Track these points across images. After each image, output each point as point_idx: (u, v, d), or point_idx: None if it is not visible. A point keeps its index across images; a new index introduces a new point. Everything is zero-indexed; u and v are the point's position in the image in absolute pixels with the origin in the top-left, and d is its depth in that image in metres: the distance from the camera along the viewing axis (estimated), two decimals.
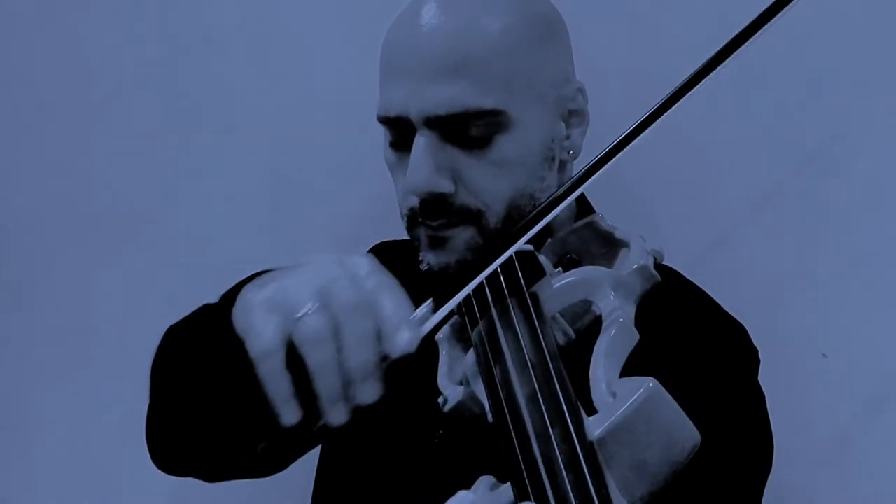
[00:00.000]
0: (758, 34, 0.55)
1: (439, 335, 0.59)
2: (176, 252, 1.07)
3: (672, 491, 0.53)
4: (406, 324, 0.45)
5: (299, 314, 0.43)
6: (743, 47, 0.55)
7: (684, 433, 0.45)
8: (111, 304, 1.07)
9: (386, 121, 0.65)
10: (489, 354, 0.52)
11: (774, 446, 0.67)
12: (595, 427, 0.44)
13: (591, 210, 0.71)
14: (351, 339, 0.43)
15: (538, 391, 0.46)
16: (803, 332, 0.92)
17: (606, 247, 0.62)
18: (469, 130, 0.62)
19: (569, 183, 0.54)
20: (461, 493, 0.35)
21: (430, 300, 0.49)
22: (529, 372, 0.48)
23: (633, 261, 0.57)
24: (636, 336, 0.52)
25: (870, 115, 0.92)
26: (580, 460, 0.42)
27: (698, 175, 0.97)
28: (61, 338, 1.06)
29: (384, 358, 0.44)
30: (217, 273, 1.04)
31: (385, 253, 0.85)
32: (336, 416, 0.44)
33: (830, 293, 0.92)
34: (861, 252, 0.92)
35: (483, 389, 0.52)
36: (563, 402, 0.45)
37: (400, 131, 0.64)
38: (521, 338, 0.51)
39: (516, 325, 0.52)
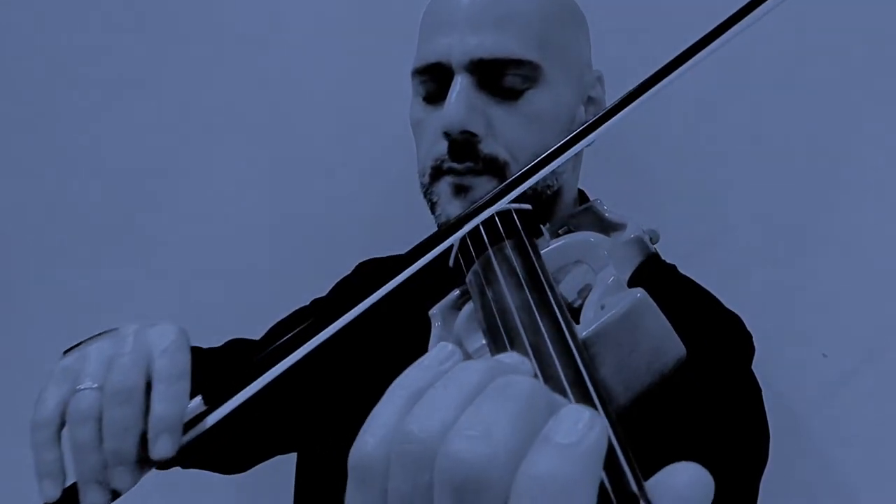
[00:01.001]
0: (739, 25, 0.54)
1: (433, 311, 0.59)
2: (176, 252, 1.07)
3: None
4: (168, 432, 0.43)
5: (79, 387, 0.43)
6: (718, 41, 0.54)
7: (670, 344, 0.45)
8: (110, 305, 1.06)
9: (424, 70, 0.67)
10: (483, 283, 0.51)
11: (774, 445, 0.67)
12: (582, 329, 0.44)
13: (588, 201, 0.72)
14: (110, 425, 0.43)
15: (530, 299, 0.46)
16: (803, 332, 0.92)
17: (604, 230, 0.62)
18: (504, 80, 0.65)
19: (553, 147, 0.54)
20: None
21: (199, 396, 0.45)
22: (522, 285, 0.48)
23: (628, 234, 0.58)
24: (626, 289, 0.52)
25: (872, 113, 0.92)
26: (570, 346, 0.41)
27: (699, 173, 0.97)
28: (60, 338, 1.06)
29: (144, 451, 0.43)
30: (216, 274, 1.05)
31: (370, 270, 0.85)
32: (91, 497, 0.43)
33: (830, 293, 0.92)
34: (861, 252, 0.92)
35: (476, 345, 0.51)
36: (553, 303, 0.45)
37: (435, 81, 0.67)
38: (514, 264, 0.51)
39: (511, 256, 0.52)
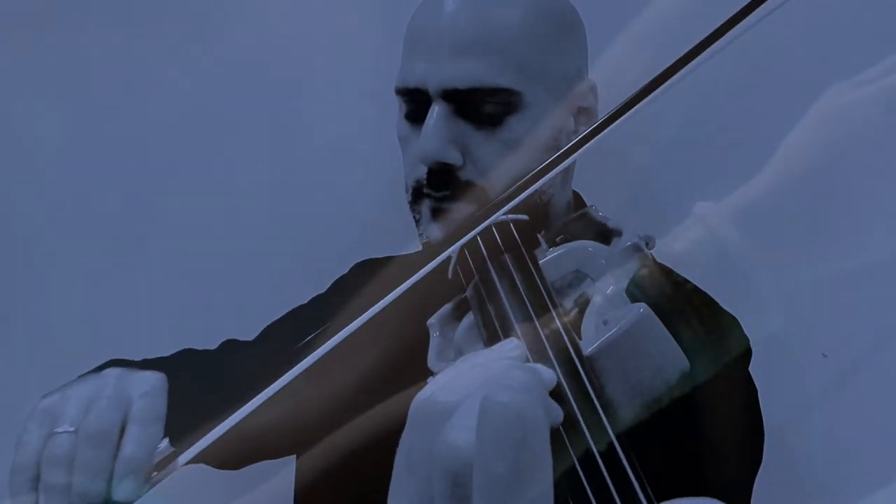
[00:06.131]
0: (731, 32, 0.55)
1: (431, 321, 0.60)
2: (170, 254, 1.07)
3: (664, 482, 0.53)
4: (133, 474, 0.44)
5: (56, 430, 0.45)
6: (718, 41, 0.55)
7: (673, 358, 0.47)
8: (110, 307, 1.06)
9: (404, 92, 0.68)
10: (484, 298, 0.53)
11: (773, 445, 0.68)
12: (587, 346, 0.46)
13: (584, 205, 0.72)
14: (81, 467, 0.44)
15: (533, 315, 0.48)
16: (803, 332, 0.92)
17: (601, 237, 0.64)
18: (482, 107, 0.64)
19: (547, 161, 0.57)
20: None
21: (166, 439, 0.47)
22: (524, 301, 0.50)
23: (625, 241, 0.59)
24: (628, 303, 0.53)
25: (871, 111, 0.92)
26: (577, 366, 0.44)
27: (697, 171, 0.96)
28: (60, 340, 1.06)
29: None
30: (215, 276, 1.05)
31: (367, 270, 0.85)
32: None
33: (830, 293, 0.92)
34: (861, 251, 0.92)
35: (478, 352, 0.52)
36: (557, 321, 0.47)
37: (416, 103, 0.67)
38: (515, 278, 0.52)
39: (512, 270, 0.53)
